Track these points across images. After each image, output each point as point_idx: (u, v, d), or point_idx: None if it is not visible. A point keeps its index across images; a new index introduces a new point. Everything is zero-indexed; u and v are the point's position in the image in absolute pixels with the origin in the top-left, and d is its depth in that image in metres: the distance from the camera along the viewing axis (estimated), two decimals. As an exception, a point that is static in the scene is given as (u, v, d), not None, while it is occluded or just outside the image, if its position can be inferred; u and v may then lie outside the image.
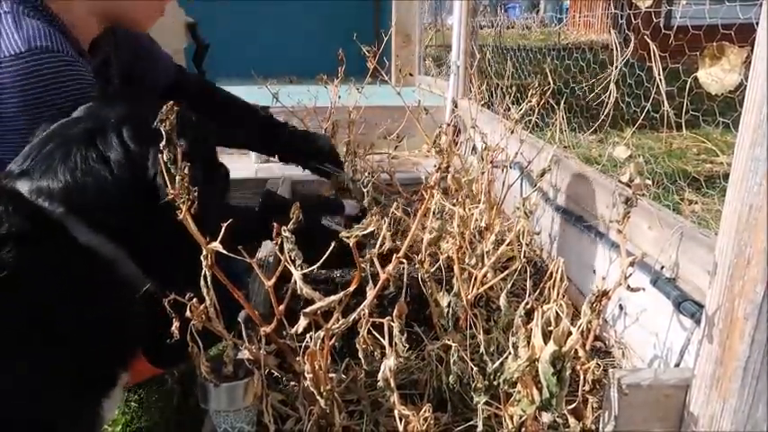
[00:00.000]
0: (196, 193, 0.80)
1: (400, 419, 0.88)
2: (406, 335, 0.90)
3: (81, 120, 0.99)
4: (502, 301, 1.14)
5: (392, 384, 0.89)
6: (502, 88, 2.36)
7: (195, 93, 1.76)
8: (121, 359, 0.93)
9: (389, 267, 0.91)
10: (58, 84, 1.13)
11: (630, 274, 0.93)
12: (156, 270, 0.92)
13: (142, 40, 1.62)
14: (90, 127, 0.96)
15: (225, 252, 0.84)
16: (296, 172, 2.65)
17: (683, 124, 1.22)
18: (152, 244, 0.91)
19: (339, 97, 2.14)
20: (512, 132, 1.78)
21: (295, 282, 0.87)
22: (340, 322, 0.92)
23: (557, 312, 0.87)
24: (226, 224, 0.85)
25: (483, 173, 1.70)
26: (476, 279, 1.24)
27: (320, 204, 1.66)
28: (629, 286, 0.93)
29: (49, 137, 0.96)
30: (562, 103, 1.75)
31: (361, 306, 0.92)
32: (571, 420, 0.92)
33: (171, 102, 0.80)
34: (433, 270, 1.18)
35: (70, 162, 0.91)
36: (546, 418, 0.94)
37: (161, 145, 0.77)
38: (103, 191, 0.91)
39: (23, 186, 0.90)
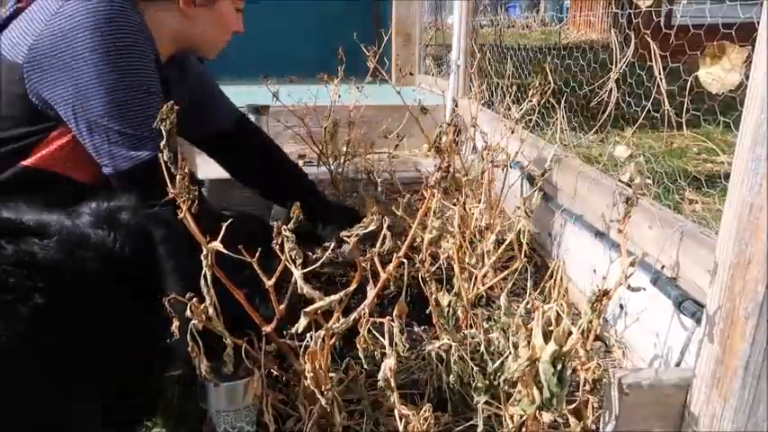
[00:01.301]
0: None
1: (400, 419, 0.88)
2: (406, 334, 0.90)
3: None
4: (502, 301, 1.14)
5: (392, 384, 0.89)
6: (502, 87, 2.36)
7: (252, 146, 1.78)
8: None
9: (390, 267, 0.91)
10: (126, 26, 1.21)
11: (631, 274, 0.93)
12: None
13: (209, 77, 1.69)
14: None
15: (226, 252, 0.84)
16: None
17: (684, 123, 1.22)
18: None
19: (339, 96, 2.14)
20: (512, 132, 1.78)
21: (295, 281, 0.87)
22: (340, 322, 0.92)
23: (557, 312, 0.87)
24: (225, 223, 0.85)
25: (483, 172, 1.70)
26: (476, 279, 1.24)
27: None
28: (629, 286, 0.92)
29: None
30: (563, 102, 1.75)
31: (362, 306, 0.92)
32: (572, 420, 0.92)
33: (171, 102, 0.80)
34: (433, 270, 1.18)
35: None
36: (546, 417, 0.94)
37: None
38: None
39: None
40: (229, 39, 1.52)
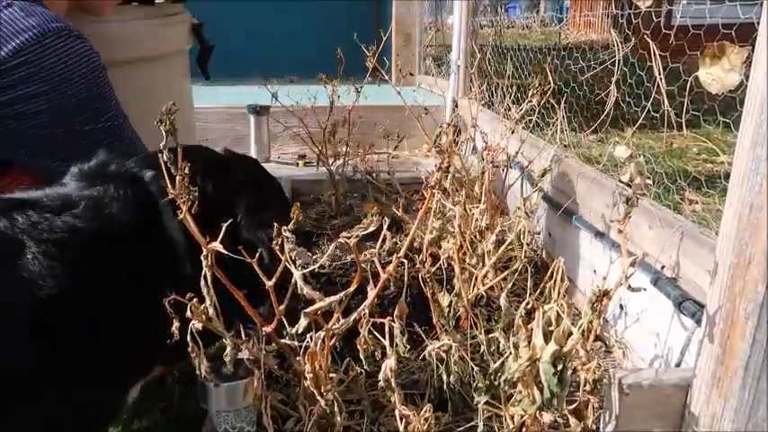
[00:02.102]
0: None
1: (401, 419, 0.88)
2: (406, 335, 0.90)
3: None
4: (502, 301, 1.14)
5: (393, 384, 0.89)
6: (502, 88, 2.36)
7: None
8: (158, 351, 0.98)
9: (390, 267, 0.91)
10: (77, 58, 1.24)
11: (631, 274, 0.93)
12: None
13: None
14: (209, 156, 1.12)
15: (225, 252, 0.84)
16: (296, 172, 2.65)
17: (684, 124, 1.22)
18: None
19: (339, 97, 2.13)
20: (512, 132, 1.78)
21: (295, 282, 0.87)
22: (341, 322, 0.92)
23: (557, 312, 0.87)
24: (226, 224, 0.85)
25: (483, 172, 1.70)
26: (476, 279, 1.24)
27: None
28: (629, 286, 0.92)
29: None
30: (562, 102, 1.74)
31: (362, 306, 0.92)
32: (572, 420, 0.92)
33: (171, 102, 0.80)
34: (433, 270, 1.18)
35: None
36: (547, 418, 0.94)
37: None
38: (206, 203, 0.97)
39: (147, 174, 1.01)
40: None
